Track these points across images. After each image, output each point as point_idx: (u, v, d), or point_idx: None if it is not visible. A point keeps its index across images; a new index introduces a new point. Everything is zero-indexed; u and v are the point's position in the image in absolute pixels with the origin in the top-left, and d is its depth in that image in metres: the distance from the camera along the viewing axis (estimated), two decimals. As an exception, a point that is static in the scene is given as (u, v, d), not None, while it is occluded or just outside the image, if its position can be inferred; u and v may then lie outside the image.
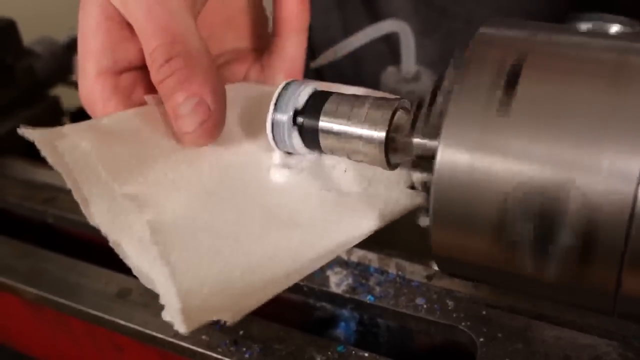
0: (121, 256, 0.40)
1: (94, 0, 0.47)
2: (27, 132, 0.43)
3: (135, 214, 0.40)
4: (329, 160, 0.48)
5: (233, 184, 0.44)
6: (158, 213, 0.40)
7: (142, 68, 0.50)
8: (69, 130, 0.43)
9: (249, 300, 0.38)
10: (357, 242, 0.42)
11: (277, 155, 0.47)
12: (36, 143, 0.42)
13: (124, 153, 0.43)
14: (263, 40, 0.57)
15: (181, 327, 0.35)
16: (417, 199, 0.44)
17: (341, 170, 0.47)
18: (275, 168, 0.46)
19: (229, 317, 0.36)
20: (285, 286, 0.40)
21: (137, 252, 0.39)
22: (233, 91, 0.48)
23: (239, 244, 0.40)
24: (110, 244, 0.40)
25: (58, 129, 0.44)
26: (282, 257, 0.40)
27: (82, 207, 0.41)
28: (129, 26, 0.47)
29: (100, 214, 0.40)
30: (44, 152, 0.42)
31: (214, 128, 0.45)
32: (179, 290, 0.36)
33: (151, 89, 0.47)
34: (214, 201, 0.42)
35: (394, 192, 0.44)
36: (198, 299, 0.36)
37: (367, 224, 0.42)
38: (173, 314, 0.35)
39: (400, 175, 0.44)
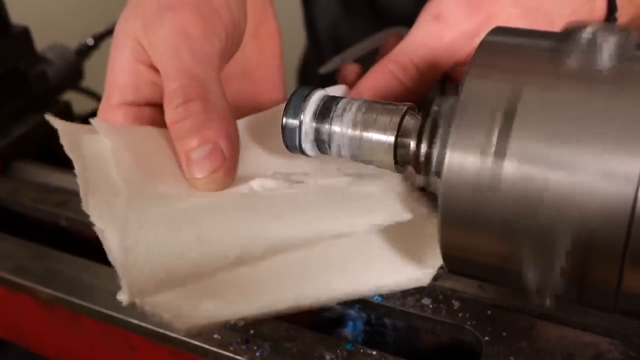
0: (103, 243, 0.43)
1: (127, 41, 0.48)
2: (52, 120, 0.46)
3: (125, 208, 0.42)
4: (334, 163, 0.49)
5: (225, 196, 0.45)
6: (145, 208, 0.42)
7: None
8: (97, 126, 0.46)
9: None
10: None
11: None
12: (59, 131, 0.46)
13: (139, 161, 0.45)
14: (278, 92, 0.58)
15: (124, 299, 0.40)
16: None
17: (346, 173, 0.48)
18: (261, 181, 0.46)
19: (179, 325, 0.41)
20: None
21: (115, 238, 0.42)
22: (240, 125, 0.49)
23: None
24: (96, 230, 0.43)
25: (82, 126, 0.47)
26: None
27: (81, 192, 0.44)
28: (156, 70, 0.47)
29: (97, 203, 0.43)
30: (63, 140, 0.45)
31: (227, 175, 0.44)
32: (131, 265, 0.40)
33: None
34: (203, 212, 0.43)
35: (400, 194, 0.45)
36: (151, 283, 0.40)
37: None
38: (124, 285, 0.40)
39: (406, 178, 0.46)
